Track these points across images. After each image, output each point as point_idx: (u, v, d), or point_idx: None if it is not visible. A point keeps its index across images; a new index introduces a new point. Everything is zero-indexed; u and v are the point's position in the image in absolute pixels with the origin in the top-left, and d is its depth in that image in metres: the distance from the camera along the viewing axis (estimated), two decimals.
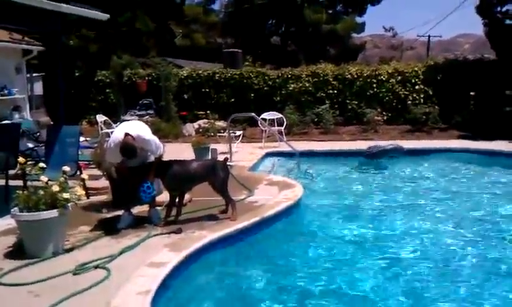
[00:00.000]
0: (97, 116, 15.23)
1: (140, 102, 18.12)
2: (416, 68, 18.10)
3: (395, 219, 7.56)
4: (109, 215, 6.76)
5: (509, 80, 15.95)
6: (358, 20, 37.59)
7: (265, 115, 14.50)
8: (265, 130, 13.82)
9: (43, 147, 8.91)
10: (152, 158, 6.37)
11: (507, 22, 16.47)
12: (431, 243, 6.47)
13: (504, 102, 15.87)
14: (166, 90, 17.30)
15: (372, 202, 8.58)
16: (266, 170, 11.02)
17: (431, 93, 17.51)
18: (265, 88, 18.37)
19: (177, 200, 6.50)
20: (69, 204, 5.27)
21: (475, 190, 9.36)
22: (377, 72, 18.06)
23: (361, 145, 13.65)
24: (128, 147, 5.92)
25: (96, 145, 9.51)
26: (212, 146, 11.65)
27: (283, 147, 12.28)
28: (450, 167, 11.59)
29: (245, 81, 18.54)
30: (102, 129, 14.52)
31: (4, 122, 13.01)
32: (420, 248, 6.28)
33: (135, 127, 6.26)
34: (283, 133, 13.90)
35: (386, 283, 5.24)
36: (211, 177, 6.48)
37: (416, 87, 17.69)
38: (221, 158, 7.44)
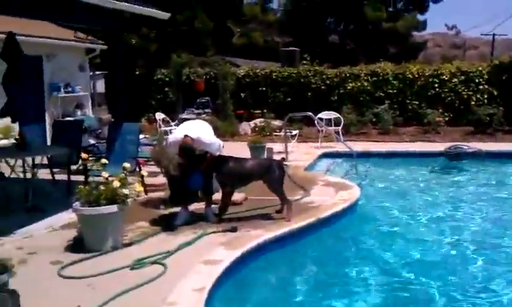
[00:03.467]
0: (156, 114, 15.54)
1: (198, 100, 18.35)
2: (480, 68, 17.42)
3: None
4: (166, 212, 6.85)
5: None
6: (420, 17, 36.64)
7: (322, 115, 14.35)
8: (322, 130, 13.67)
9: (105, 143, 9.16)
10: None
11: None
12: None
13: None
14: (223, 89, 17.42)
15: (444, 208, 8.31)
16: (322, 170, 10.89)
17: (495, 93, 16.81)
18: (323, 87, 18.17)
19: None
20: (128, 200, 5.37)
21: None
22: (439, 72, 17.50)
23: (422, 147, 13.33)
24: (186, 148, 5.99)
25: (155, 143, 9.69)
26: (268, 145, 11.64)
27: (340, 147, 12.11)
28: None
29: (302, 80, 18.41)
30: (160, 127, 14.80)
31: (67, 119, 13.50)
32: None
33: (196, 128, 6.31)
34: (340, 133, 13.71)
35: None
36: (267, 176, 6.45)
37: (480, 87, 17.02)
38: (277, 157, 7.40)
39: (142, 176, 7.39)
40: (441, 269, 5.62)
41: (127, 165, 5.67)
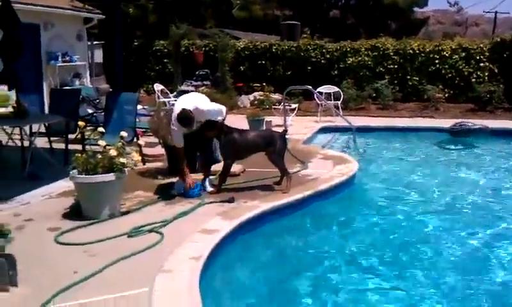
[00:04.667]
0: (155, 85, 15.44)
1: (197, 72, 18.23)
2: (481, 45, 17.28)
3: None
4: (164, 182, 6.84)
5: None
6: None
7: (321, 89, 14.28)
8: (321, 104, 13.62)
9: (102, 113, 9.12)
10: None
11: None
12: None
13: None
14: (223, 61, 17.30)
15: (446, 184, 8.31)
16: (321, 144, 10.87)
17: (496, 71, 16.73)
18: (323, 61, 18.05)
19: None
20: (126, 169, 5.36)
21: None
22: (440, 48, 17.37)
23: (421, 123, 13.32)
24: (185, 115, 5.96)
25: (153, 113, 9.64)
26: (267, 118, 11.62)
27: (339, 121, 12.08)
28: None
29: (302, 54, 18.28)
30: (159, 98, 14.72)
31: (65, 88, 13.42)
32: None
33: (191, 100, 6.28)
34: (340, 108, 13.67)
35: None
36: (269, 148, 6.44)
37: (481, 64, 16.92)
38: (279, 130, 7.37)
39: (140, 146, 7.36)
40: (431, 243, 5.65)
41: (124, 134, 5.65)
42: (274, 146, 6.42)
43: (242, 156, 6.64)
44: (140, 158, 6.12)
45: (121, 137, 5.56)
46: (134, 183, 6.42)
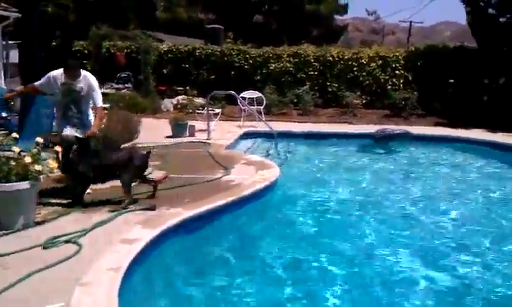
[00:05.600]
0: None
1: (118, 74, 17.83)
2: (397, 53, 18.14)
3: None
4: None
5: (488, 70, 16.11)
6: (341, 1, 37.61)
7: (244, 94, 14.41)
8: (244, 109, 13.74)
9: (17, 117, 8.72)
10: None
11: (490, 11, 16.56)
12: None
13: (483, 90, 16.05)
14: (145, 64, 17.05)
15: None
16: (243, 149, 10.97)
17: (410, 78, 17.59)
18: (246, 66, 18.23)
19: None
20: (41, 177, 5.16)
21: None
22: (358, 55, 18.04)
23: (339, 128, 13.75)
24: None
25: None
26: (190, 123, 11.58)
27: (262, 127, 12.24)
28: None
29: (226, 58, 18.37)
30: None
31: None
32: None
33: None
34: (262, 113, 13.85)
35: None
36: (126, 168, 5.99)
37: (397, 72, 17.74)
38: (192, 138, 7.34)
39: (56, 152, 7.09)
40: (349, 242, 5.89)
41: (39, 140, 5.43)
42: (128, 167, 6.00)
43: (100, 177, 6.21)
44: (56, 164, 5.87)
45: (37, 143, 5.34)
46: (50, 191, 6.18)
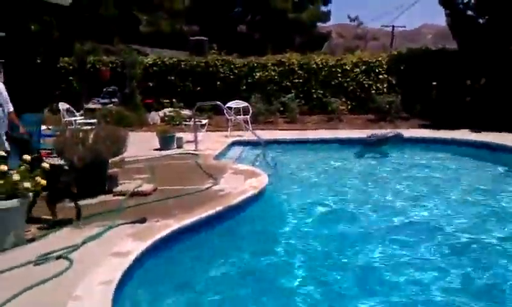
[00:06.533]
0: (59, 104, 14.92)
1: (104, 89, 17.84)
2: (380, 58, 18.36)
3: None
4: (71, 205, 6.63)
5: (470, 71, 16.35)
6: (323, 9, 37.92)
7: (230, 104, 14.49)
8: (231, 119, 13.81)
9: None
10: None
11: (469, 12, 16.82)
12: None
13: (465, 91, 16.28)
14: (131, 78, 17.08)
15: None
16: (232, 159, 11.02)
17: (394, 82, 17.80)
18: (231, 77, 18.34)
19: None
20: (30, 194, 5.17)
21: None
22: (342, 62, 18.23)
23: (326, 134, 13.88)
24: None
25: (58, 134, 9.33)
26: (178, 134, 11.62)
27: (249, 136, 12.31)
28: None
29: (211, 69, 18.48)
30: (64, 117, 14.25)
31: None
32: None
33: None
34: (249, 122, 13.92)
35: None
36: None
37: (380, 76, 17.96)
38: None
39: (43, 168, 7.09)
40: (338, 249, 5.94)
41: (27, 157, 5.45)
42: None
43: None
44: (45, 181, 5.88)
45: (24, 161, 5.36)
46: (40, 208, 6.18)
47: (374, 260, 5.58)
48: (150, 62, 18.82)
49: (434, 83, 16.80)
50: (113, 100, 17.30)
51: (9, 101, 7.35)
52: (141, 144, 11.15)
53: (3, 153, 5.80)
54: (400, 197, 8.25)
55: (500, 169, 10.39)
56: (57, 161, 6.84)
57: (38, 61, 19.41)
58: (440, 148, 12.42)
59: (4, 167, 5.20)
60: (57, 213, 5.88)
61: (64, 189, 5.94)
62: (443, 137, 13.14)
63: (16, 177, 5.07)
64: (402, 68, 17.81)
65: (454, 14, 16.98)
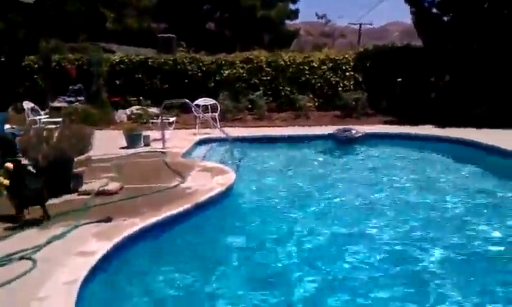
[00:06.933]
0: (24, 102, 14.66)
1: (70, 87, 17.59)
2: (347, 55, 18.59)
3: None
4: (35, 207, 6.56)
5: (435, 68, 16.70)
6: (292, 6, 38.05)
7: (198, 101, 14.47)
8: (199, 117, 13.81)
9: None
10: None
11: (434, 10, 17.16)
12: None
13: (429, 88, 16.61)
14: (97, 76, 16.90)
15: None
16: (199, 157, 11.03)
17: (360, 79, 18.05)
18: (199, 74, 18.32)
19: None
20: None
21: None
22: (309, 59, 18.38)
23: (293, 131, 14.00)
24: None
25: (22, 133, 9.20)
26: (145, 132, 11.57)
27: (217, 133, 12.34)
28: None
29: (179, 67, 18.41)
30: (28, 116, 14.02)
31: None
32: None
33: None
34: (217, 120, 13.94)
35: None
36: None
37: (347, 74, 18.18)
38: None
39: (7, 169, 7.00)
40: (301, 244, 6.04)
41: None
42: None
43: None
44: (8, 181, 5.81)
45: None
46: (3, 208, 6.10)
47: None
48: (117, 60, 18.64)
49: (399, 80, 17.10)
50: (79, 98, 17.08)
51: None
52: (107, 143, 11.06)
53: None
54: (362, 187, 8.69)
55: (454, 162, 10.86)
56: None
57: (2, 59, 19.08)
58: (404, 143, 12.66)
59: None
60: (24, 214, 5.83)
61: (35, 197, 5.86)
62: (407, 132, 13.39)
63: None
64: (368, 65, 18.07)
65: (419, 12, 17.29)
